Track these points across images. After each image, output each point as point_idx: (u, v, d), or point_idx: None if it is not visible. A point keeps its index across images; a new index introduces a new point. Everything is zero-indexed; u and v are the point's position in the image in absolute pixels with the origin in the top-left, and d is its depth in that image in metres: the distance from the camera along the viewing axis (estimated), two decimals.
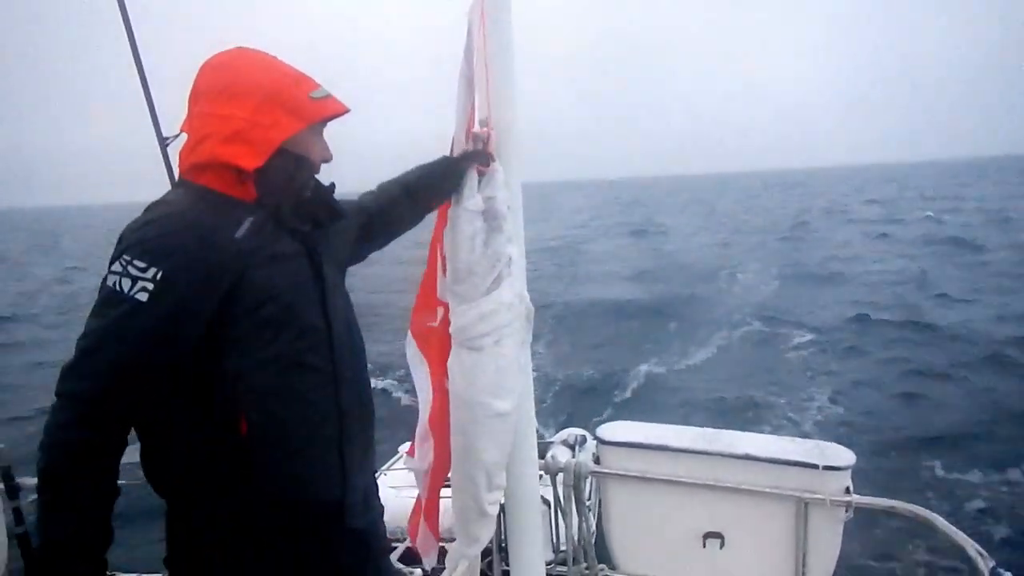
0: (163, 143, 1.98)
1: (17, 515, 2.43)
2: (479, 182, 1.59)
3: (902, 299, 15.70)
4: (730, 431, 2.39)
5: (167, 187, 1.45)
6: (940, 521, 1.98)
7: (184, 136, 1.30)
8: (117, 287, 1.14)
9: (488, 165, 1.60)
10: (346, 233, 1.53)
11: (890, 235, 28.51)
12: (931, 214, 37.54)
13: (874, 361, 11.01)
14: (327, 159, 1.39)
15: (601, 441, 2.36)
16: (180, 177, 1.32)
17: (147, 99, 1.99)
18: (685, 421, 2.48)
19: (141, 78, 2.02)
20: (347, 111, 1.37)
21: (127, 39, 1.96)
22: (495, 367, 1.54)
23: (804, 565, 2.22)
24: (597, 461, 2.38)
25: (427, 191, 1.67)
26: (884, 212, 42.08)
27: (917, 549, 4.72)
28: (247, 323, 1.22)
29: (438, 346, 1.76)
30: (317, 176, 1.40)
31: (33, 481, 2.51)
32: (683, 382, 10.47)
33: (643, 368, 11.01)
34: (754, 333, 13.48)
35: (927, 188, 71.47)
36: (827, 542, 2.20)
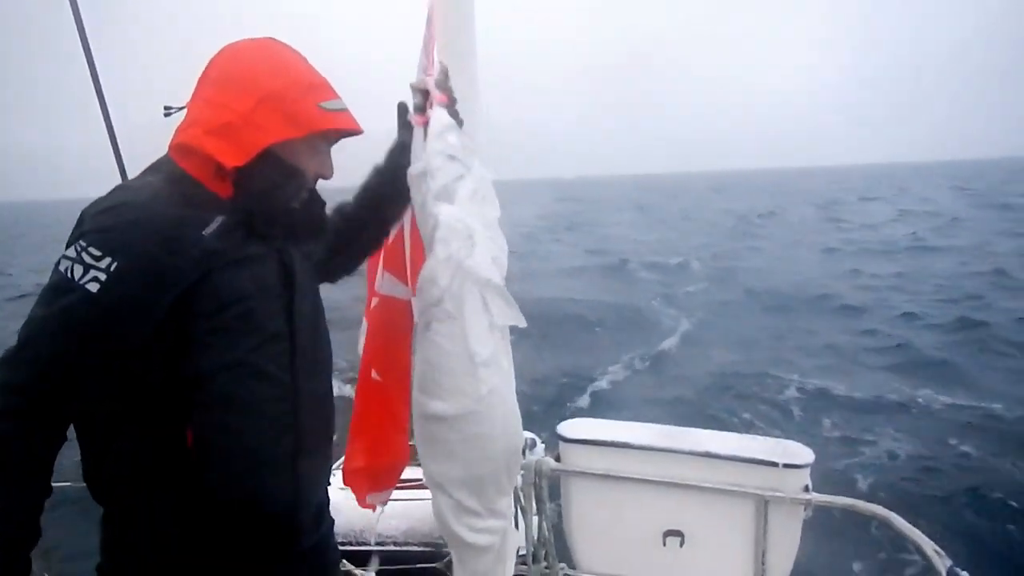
0: (113, 135, 1.91)
1: None
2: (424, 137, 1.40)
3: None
4: (692, 429, 2.38)
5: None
6: (898, 520, 1.98)
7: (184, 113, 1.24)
8: (69, 273, 1.08)
9: (424, 112, 1.43)
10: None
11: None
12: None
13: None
14: (324, 176, 1.32)
15: (562, 439, 2.33)
16: (166, 153, 1.25)
17: (96, 87, 1.90)
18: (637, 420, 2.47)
19: (89, 63, 1.93)
20: (359, 131, 1.30)
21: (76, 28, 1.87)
22: (423, 356, 1.36)
23: (763, 563, 2.22)
24: (558, 459, 2.35)
25: (371, 204, 1.62)
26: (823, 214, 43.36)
27: (876, 548, 4.80)
28: (205, 327, 1.15)
29: (368, 334, 1.74)
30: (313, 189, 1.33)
31: None
32: (635, 384, 10.54)
33: (595, 372, 11.00)
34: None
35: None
36: (786, 540, 2.20)
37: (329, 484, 1.48)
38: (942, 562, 1.82)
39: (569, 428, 2.35)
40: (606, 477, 2.27)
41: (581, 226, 39.82)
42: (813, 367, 10.47)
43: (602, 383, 10.20)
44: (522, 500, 2.36)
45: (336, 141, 1.34)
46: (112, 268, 1.08)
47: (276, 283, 1.26)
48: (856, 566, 4.81)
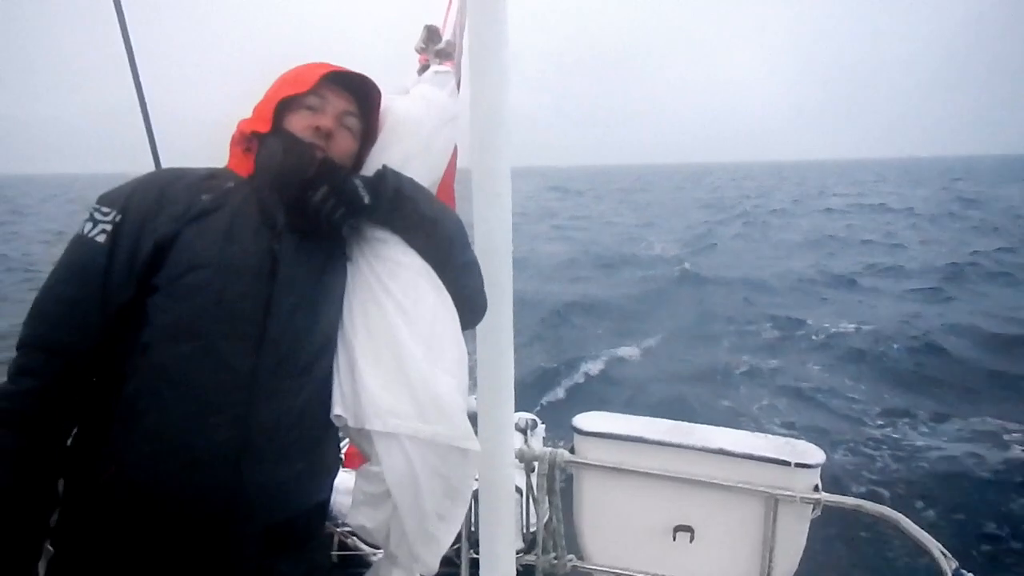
0: (146, 114, 1.95)
1: None
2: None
3: None
4: (704, 425, 2.41)
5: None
6: (905, 521, 2.02)
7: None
8: (82, 230, 1.18)
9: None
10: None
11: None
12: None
13: None
14: (310, 126, 1.29)
15: (577, 431, 2.36)
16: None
17: (132, 68, 1.93)
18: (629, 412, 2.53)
19: (127, 45, 1.96)
20: (343, 69, 1.31)
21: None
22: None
23: (770, 561, 2.25)
24: (571, 451, 2.38)
25: None
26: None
27: (883, 549, 4.86)
28: (166, 291, 1.16)
29: None
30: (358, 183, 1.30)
31: None
32: (625, 373, 10.66)
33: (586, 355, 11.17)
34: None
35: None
36: (794, 538, 2.23)
37: (313, 512, 1.32)
38: (948, 564, 1.86)
39: (584, 421, 2.38)
40: (619, 471, 2.30)
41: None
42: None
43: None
44: (534, 490, 2.40)
45: (352, 102, 1.36)
46: (116, 219, 1.18)
47: (258, 266, 1.22)
48: (860, 565, 4.87)
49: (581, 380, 10.26)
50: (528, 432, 3.17)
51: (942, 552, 1.88)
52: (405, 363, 1.25)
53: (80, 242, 1.18)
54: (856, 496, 2.18)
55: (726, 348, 12.31)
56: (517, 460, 2.31)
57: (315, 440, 1.28)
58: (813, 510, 2.17)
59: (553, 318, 14.01)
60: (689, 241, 28.63)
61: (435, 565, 1.34)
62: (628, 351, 12.03)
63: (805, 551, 2.28)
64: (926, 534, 1.94)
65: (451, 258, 1.37)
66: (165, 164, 1.91)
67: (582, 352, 11.56)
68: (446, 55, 1.49)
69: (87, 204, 1.24)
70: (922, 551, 1.93)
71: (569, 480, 2.45)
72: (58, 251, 1.20)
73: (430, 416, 1.25)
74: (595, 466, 2.34)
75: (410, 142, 1.40)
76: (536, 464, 2.37)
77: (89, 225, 1.18)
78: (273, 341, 1.19)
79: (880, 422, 8.37)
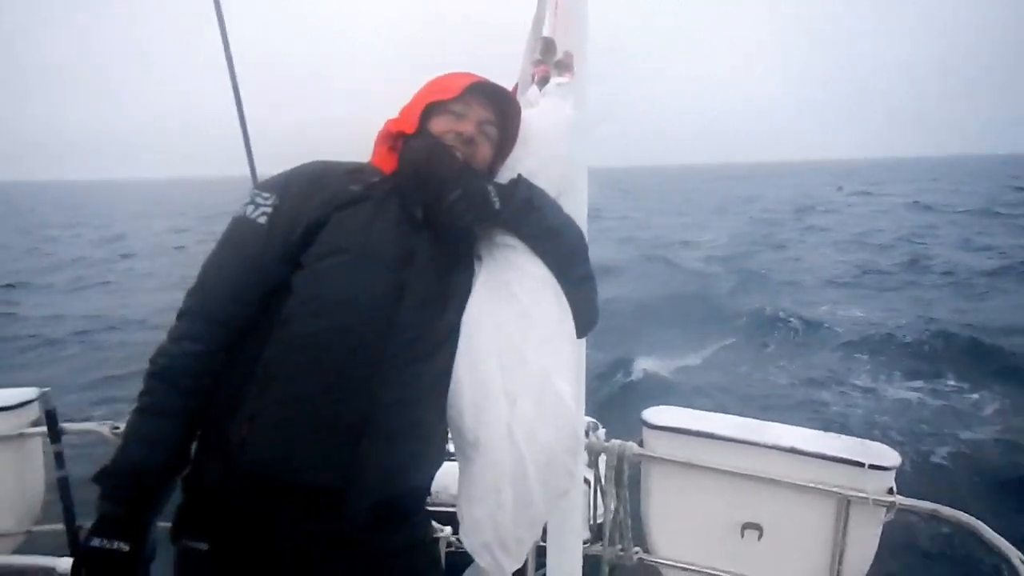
0: (243, 120, 2.09)
1: (59, 458, 2.53)
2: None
3: None
4: (774, 423, 2.41)
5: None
6: (984, 528, 1.98)
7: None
8: (244, 212, 1.31)
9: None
10: None
11: None
12: None
13: None
14: (447, 132, 1.38)
15: (646, 425, 2.39)
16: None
17: (231, 76, 2.06)
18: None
19: (228, 58, 2.09)
20: (488, 81, 1.41)
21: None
22: None
23: (840, 563, 2.24)
24: (640, 444, 2.42)
25: None
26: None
27: (959, 556, 4.72)
28: (312, 265, 1.27)
29: None
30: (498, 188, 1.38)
31: (76, 426, 2.61)
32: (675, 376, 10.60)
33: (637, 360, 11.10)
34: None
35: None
36: (865, 541, 2.21)
37: (417, 495, 1.40)
38: None
39: (654, 415, 2.41)
40: (688, 465, 2.33)
41: None
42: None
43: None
44: (602, 482, 2.44)
45: (491, 111, 1.44)
46: (276, 203, 1.30)
47: (395, 256, 1.30)
48: (934, 571, 4.74)
49: (636, 378, 10.25)
50: (589, 434, 3.20)
51: (1022, 560, 1.85)
52: (527, 367, 1.32)
53: (243, 222, 1.30)
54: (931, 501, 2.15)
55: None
56: (586, 453, 2.36)
57: (429, 425, 1.34)
58: (886, 513, 2.15)
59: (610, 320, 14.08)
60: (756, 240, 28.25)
61: (523, 558, 1.40)
62: (687, 355, 11.96)
63: (876, 554, 2.26)
64: (1006, 542, 1.90)
65: (571, 269, 1.43)
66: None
67: (633, 353, 11.53)
68: (565, 67, 1.55)
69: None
70: (1001, 559, 1.90)
71: (636, 474, 2.48)
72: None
73: (547, 419, 1.31)
74: (664, 460, 2.37)
75: (542, 154, 1.47)
76: (604, 457, 2.42)
77: (251, 208, 1.31)
78: (401, 327, 1.27)
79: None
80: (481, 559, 1.38)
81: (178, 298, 1.30)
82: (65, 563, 1.19)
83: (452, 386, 1.34)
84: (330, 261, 1.26)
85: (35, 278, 22.73)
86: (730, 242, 28.14)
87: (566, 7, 1.64)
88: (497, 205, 1.35)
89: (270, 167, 1.55)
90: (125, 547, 1.16)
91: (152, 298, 17.63)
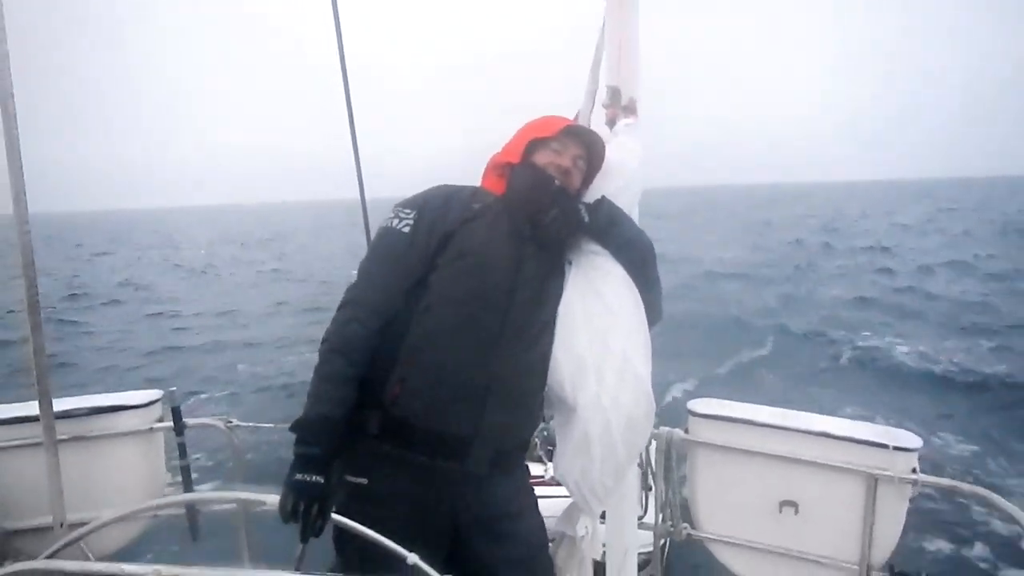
0: (356, 147, 2.47)
1: (182, 449, 2.93)
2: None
3: None
4: (806, 412, 2.67)
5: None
6: (997, 498, 2.21)
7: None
8: (389, 223, 1.69)
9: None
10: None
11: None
12: None
13: None
14: (553, 163, 1.75)
15: (692, 413, 2.68)
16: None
17: (348, 108, 2.44)
18: None
19: (345, 87, 2.47)
20: (579, 125, 1.80)
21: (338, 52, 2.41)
22: None
23: (871, 536, 2.47)
24: (686, 431, 2.70)
25: None
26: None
27: (979, 528, 4.88)
28: (444, 270, 1.64)
29: None
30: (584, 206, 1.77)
31: (196, 420, 3.05)
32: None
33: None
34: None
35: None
36: (893, 517, 2.45)
37: (522, 447, 1.77)
38: None
39: (698, 404, 2.70)
40: (730, 449, 2.61)
41: None
42: None
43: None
44: (653, 466, 2.74)
45: (580, 153, 1.79)
46: (414, 216, 1.68)
47: (507, 262, 1.67)
48: (956, 543, 4.91)
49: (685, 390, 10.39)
50: None
51: None
52: (611, 350, 1.70)
53: (390, 232, 1.68)
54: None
55: None
56: None
57: (532, 393, 1.73)
58: (912, 488, 2.39)
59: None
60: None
61: (608, 501, 1.78)
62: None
63: (905, 529, 2.49)
64: (1014, 506, 2.13)
65: (644, 272, 1.80)
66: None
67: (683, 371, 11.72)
68: (631, 111, 1.89)
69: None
70: (1013, 521, 2.13)
71: (682, 458, 2.77)
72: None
73: (627, 390, 1.68)
74: (708, 445, 2.66)
75: (619, 181, 1.85)
76: (654, 442, 2.71)
77: (396, 220, 1.68)
78: (513, 317, 1.65)
79: None
80: (576, 497, 1.75)
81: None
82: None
83: (552, 364, 1.71)
84: (460, 264, 1.64)
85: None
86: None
87: (626, 58, 1.97)
88: (586, 219, 1.74)
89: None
90: (320, 479, 1.49)
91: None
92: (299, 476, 1.48)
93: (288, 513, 1.46)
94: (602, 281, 1.76)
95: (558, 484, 1.84)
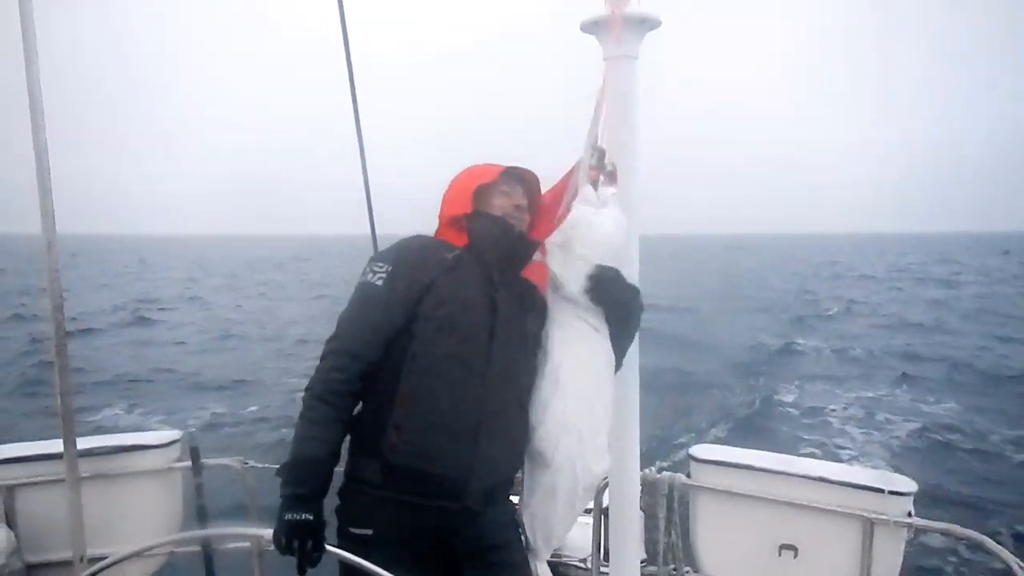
0: (367, 188, 2.63)
1: (199, 489, 3.01)
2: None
3: None
4: (803, 457, 2.77)
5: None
6: (989, 542, 2.29)
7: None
8: (365, 277, 1.78)
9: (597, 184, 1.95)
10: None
11: None
12: None
13: None
14: (506, 207, 1.88)
15: (693, 459, 2.78)
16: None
17: (360, 145, 2.61)
18: None
19: (357, 128, 2.63)
20: (513, 167, 1.91)
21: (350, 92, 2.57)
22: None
23: None
24: (688, 476, 2.79)
25: None
26: None
27: (974, 571, 4.88)
28: (427, 319, 1.73)
29: None
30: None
31: (214, 461, 3.13)
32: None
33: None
34: None
35: None
36: (890, 559, 2.52)
37: (510, 482, 1.85)
38: None
39: (700, 450, 2.81)
40: (730, 494, 2.70)
41: None
42: None
43: None
44: (656, 510, 2.81)
45: (523, 197, 1.92)
46: (389, 270, 1.77)
47: (484, 306, 1.77)
48: None
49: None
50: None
51: (1020, 566, 2.16)
52: (594, 413, 1.83)
53: (366, 285, 1.76)
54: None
55: None
56: (641, 484, 2.73)
57: (521, 428, 1.82)
58: (908, 532, 2.46)
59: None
60: None
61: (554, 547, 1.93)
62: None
63: (901, 572, 2.56)
64: (1008, 552, 2.22)
65: (622, 332, 1.89)
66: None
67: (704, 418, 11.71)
68: (612, 178, 1.96)
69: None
70: (1005, 567, 2.20)
71: (685, 503, 2.84)
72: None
73: (599, 457, 1.84)
74: (709, 489, 2.75)
75: (606, 249, 1.87)
76: (657, 487, 2.80)
77: (370, 274, 1.77)
78: (496, 356, 1.74)
79: None
80: (531, 539, 1.88)
81: None
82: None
83: (535, 418, 1.82)
84: (442, 311, 1.74)
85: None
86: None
87: (616, 124, 2.00)
88: (587, 286, 1.82)
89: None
90: (310, 516, 1.57)
91: None
92: (289, 516, 1.57)
93: (283, 547, 1.56)
94: (579, 338, 1.85)
95: None
